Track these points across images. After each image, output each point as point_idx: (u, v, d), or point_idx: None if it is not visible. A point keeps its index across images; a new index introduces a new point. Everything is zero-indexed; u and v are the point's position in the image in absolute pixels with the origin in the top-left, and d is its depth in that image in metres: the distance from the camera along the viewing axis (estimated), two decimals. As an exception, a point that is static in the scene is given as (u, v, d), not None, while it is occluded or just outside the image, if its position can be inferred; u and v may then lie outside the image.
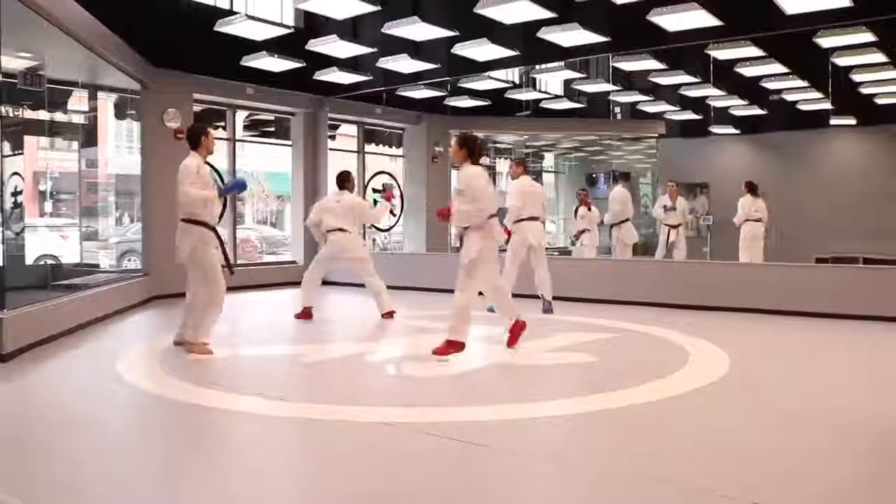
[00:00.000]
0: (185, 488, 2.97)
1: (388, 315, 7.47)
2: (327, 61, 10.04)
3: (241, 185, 6.62)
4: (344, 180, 7.58)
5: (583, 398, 4.32)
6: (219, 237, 5.66)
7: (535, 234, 7.61)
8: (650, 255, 11.51)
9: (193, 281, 5.73)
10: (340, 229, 7.36)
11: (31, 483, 2.98)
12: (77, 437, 3.67)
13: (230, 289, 7.42)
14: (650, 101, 13.63)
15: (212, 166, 10.79)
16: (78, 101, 8.30)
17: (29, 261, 7.46)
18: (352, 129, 13.03)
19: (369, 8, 7.87)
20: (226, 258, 5.73)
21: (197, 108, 10.33)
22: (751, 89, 11.92)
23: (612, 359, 5.45)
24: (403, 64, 9.94)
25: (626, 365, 5.24)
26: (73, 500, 2.85)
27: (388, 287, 7.68)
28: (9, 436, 3.73)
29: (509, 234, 7.36)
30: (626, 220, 10.09)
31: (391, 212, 13.10)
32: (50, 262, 8.27)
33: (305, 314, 7.46)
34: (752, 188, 9.70)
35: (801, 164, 12.59)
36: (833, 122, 12.10)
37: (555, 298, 7.89)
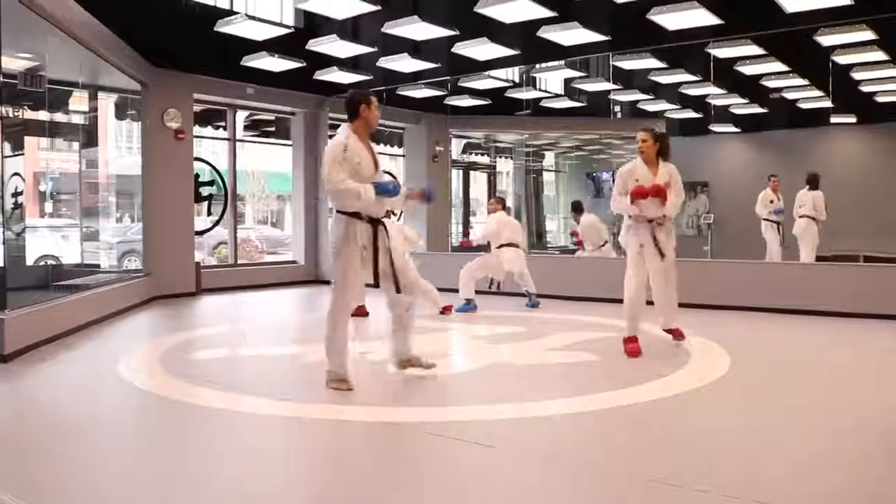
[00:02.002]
0: (185, 488, 2.97)
1: (361, 311, 7.52)
2: (327, 61, 10.03)
3: (394, 191, 4.59)
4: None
5: (583, 397, 4.31)
6: (375, 235, 4.41)
7: (511, 261, 8.08)
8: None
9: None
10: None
11: (32, 484, 2.98)
12: (77, 438, 3.67)
13: (229, 288, 7.46)
14: (650, 99, 13.61)
15: (211, 165, 10.89)
16: (78, 101, 8.30)
17: (29, 261, 7.47)
18: (352, 129, 13.00)
19: (369, 7, 7.86)
20: (374, 265, 4.41)
21: (197, 107, 10.34)
22: (751, 88, 11.90)
23: (613, 358, 5.44)
24: (403, 63, 9.93)
25: (626, 364, 5.24)
26: (74, 500, 2.85)
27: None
28: (9, 436, 3.73)
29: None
30: (605, 243, 9.82)
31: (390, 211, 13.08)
32: (50, 262, 8.28)
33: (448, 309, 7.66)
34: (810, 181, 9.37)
35: (801, 163, 12.53)
36: (833, 120, 12.08)
37: (555, 298, 7.90)
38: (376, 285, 4.51)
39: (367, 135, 4.55)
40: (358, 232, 4.33)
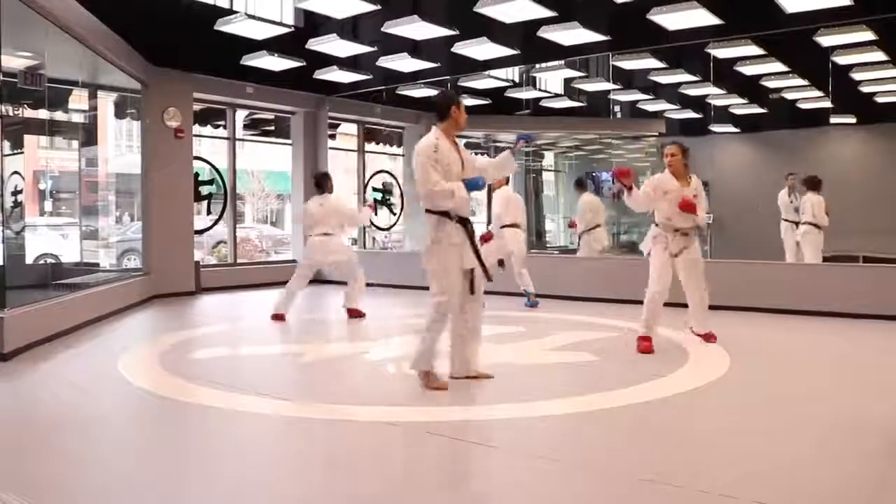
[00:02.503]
0: (185, 487, 2.97)
1: (355, 314, 7.49)
2: (327, 60, 10.03)
3: (483, 184, 4.60)
4: (325, 181, 7.54)
5: (582, 397, 4.32)
6: (469, 232, 4.46)
7: (514, 241, 8.04)
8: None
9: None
10: (324, 233, 7.38)
11: (32, 482, 2.98)
12: (77, 437, 3.67)
13: (229, 288, 7.46)
14: (650, 99, 13.63)
15: (211, 164, 10.88)
16: (78, 100, 8.30)
17: (29, 260, 7.47)
18: (352, 128, 13.03)
19: (369, 7, 7.86)
20: (480, 262, 4.48)
21: (197, 106, 10.34)
22: (751, 88, 11.92)
23: (612, 358, 5.45)
24: (403, 63, 9.94)
25: (626, 364, 5.24)
26: (74, 499, 2.85)
27: (389, 285, 7.68)
28: (9, 435, 3.73)
29: (490, 238, 7.67)
30: (598, 226, 9.83)
31: (391, 210, 13.11)
32: (50, 261, 8.28)
33: (280, 318, 7.38)
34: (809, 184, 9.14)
35: (801, 163, 12.55)
36: (833, 120, 12.09)
37: (555, 298, 7.90)
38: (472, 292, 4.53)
39: (454, 135, 4.62)
40: (450, 231, 4.38)
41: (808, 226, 9.03)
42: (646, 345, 5.57)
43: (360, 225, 11.85)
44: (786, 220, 9.59)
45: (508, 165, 4.76)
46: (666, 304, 5.64)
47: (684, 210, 5.52)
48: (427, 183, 4.30)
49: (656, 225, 5.71)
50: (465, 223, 4.43)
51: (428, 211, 4.42)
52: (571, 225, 10.39)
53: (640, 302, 5.67)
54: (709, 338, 5.90)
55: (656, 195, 5.59)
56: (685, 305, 5.89)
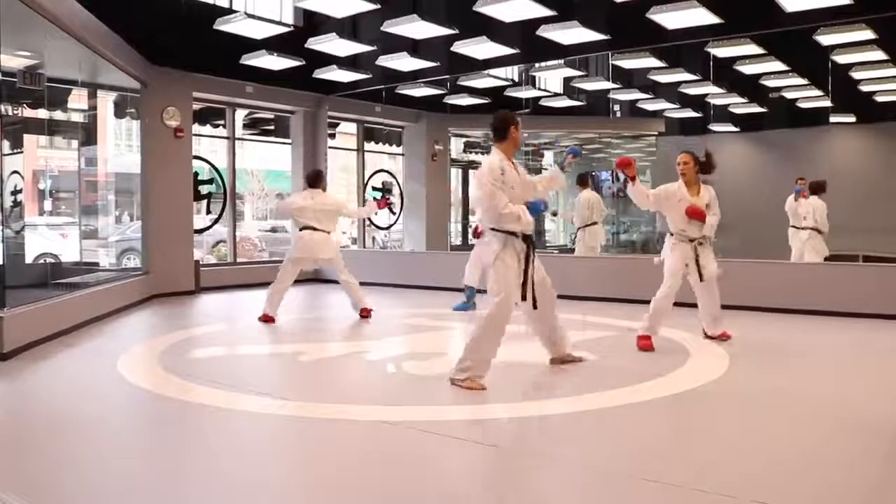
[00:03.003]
0: (184, 487, 2.98)
1: (366, 313, 7.42)
2: (327, 59, 10.03)
3: (545, 208, 5.12)
4: (318, 179, 7.41)
5: (582, 397, 4.32)
6: (529, 247, 4.61)
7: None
8: (651, 252, 11.44)
9: None
10: (314, 228, 7.25)
11: (31, 482, 2.98)
12: (77, 436, 3.67)
13: (228, 287, 7.46)
14: (650, 98, 13.63)
15: (211, 164, 10.88)
16: (77, 99, 8.30)
17: (29, 259, 7.47)
18: (351, 128, 13.02)
19: (369, 6, 7.86)
20: (524, 281, 4.57)
21: (196, 106, 10.34)
22: (750, 87, 11.92)
23: (612, 357, 5.45)
24: (403, 62, 9.93)
25: (626, 363, 5.24)
26: (74, 498, 2.85)
27: (389, 285, 7.67)
28: (8, 435, 3.73)
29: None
30: (594, 223, 9.85)
31: (390, 209, 13.09)
32: (49, 260, 8.28)
33: (269, 319, 7.22)
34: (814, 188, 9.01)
35: (800, 162, 12.57)
36: (833, 119, 12.09)
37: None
38: (524, 298, 4.60)
39: (513, 154, 4.75)
40: (515, 246, 4.52)
41: (810, 231, 8.95)
42: (645, 343, 5.60)
43: (361, 217, 11.84)
44: (793, 227, 9.32)
45: (558, 181, 5.03)
46: (677, 305, 5.65)
47: (691, 217, 5.56)
48: (496, 207, 4.42)
49: (671, 234, 5.78)
50: (528, 240, 4.57)
51: (493, 229, 4.53)
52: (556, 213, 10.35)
53: (640, 301, 5.68)
54: (723, 336, 5.96)
55: (661, 199, 5.65)
56: (688, 305, 5.89)
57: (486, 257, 4.61)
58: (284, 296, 7.38)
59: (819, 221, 8.94)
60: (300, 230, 7.34)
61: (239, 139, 11.49)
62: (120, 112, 9.82)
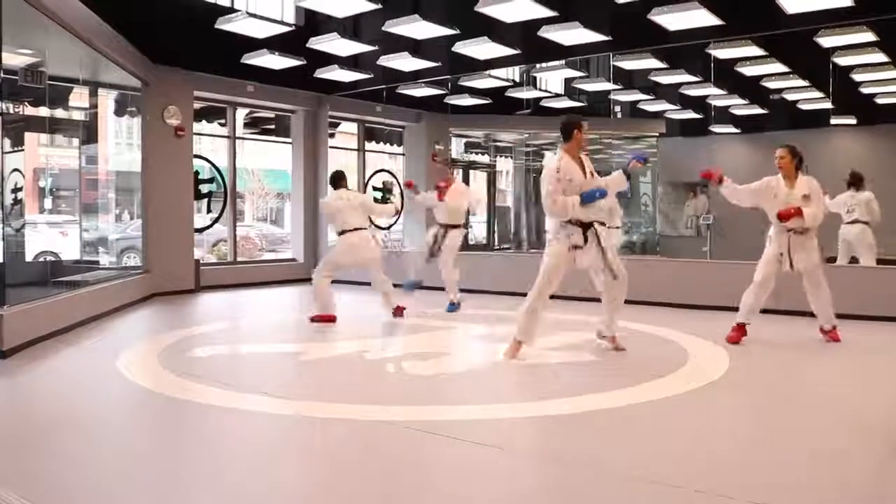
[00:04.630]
0: (184, 486, 2.98)
1: (399, 311, 7.41)
2: (328, 59, 10.03)
3: (602, 195, 5.27)
4: (339, 179, 7.36)
5: (582, 397, 4.32)
6: (586, 235, 5.18)
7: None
8: (649, 253, 11.47)
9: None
10: (356, 228, 7.16)
11: (31, 480, 2.98)
12: (77, 434, 3.67)
13: (229, 286, 7.46)
14: (651, 99, 13.63)
15: (211, 163, 10.88)
16: (78, 97, 8.30)
17: (29, 257, 7.46)
18: (352, 127, 13.03)
19: (370, 6, 7.86)
20: (605, 260, 5.21)
21: (197, 104, 10.35)
22: (751, 88, 11.92)
23: (612, 358, 5.45)
24: (404, 62, 9.93)
25: (626, 364, 5.24)
26: (74, 497, 2.85)
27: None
28: (8, 433, 3.73)
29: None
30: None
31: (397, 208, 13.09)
32: (49, 258, 8.27)
33: (328, 318, 7.18)
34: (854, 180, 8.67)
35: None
36: (833, 121, 12.09)
37: (554, 297, 7.88)
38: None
39: (578, 153, 5.33)
40: (570, 233, 5.17)
41: (863, 225, 8.63)
42: (734, 335, 5.87)
43: (387, 218, 11.86)
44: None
45: (622, 183, 5.48)
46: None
47: (783, 219, 5.71)
48: (549, 197, 5.12)
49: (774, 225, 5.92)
50: (585, 226, 5.16)
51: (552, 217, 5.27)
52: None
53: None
54: (832, 336, 5.98)
55: (759, 194, 5.85)
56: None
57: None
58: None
59: (872, 212, 8.53)
60: (340, 233, 7.22)
61: (239, 138, 11.50)
62: (121, 110, 9.82)
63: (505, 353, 5.32)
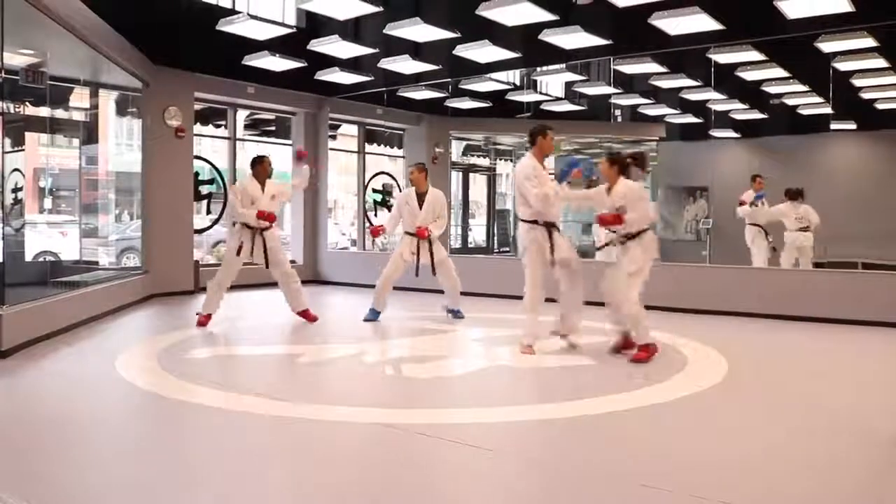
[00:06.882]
0: (183, 487, 2.97)
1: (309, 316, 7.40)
2: (329, 61, 10.05)
3: (574, 164, 5.76)
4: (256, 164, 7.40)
5: (579, 402, 4.32)
6: (550, 236, 5.61)
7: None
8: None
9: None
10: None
11: (30, 481, 2.98)
12: (76, 435, 3.67)
13: (228, 287, 7.46)
14: (651, 104, 13.63)
15: (211, 164, 10.88)
16: (79, 98, 8.31)
17: (28, 257, 7.47)
18: (352, 130, 13.03)
19: (371, 9, 7.87)
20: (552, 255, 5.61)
21: (198, 106, 10.35)
22: (752, 93, 11.92)
23: (610, 362, 5.45)
24: (404, 65, 9.95)
25: (624, 368, 5.24)
26: (72, 498, 2.85)
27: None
28: (7, 433, 3.73)
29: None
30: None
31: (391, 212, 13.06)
32: (49, 258, 8.28)
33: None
34: (792, 194, 9.26)
35: (801, 169, 12.57)
36: (833, 126, 12.08)
37: (552, 301, 7.88)
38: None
39: (543, 159, 5.71)
40: (537, 234, 5.58)
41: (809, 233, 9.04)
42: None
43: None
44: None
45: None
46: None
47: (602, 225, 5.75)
48: (540, 192, 5.40)
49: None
50: (549, 227, 5.56)
51: (521, 220, 5.65)
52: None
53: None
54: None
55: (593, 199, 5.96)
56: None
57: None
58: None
59: (813, 221, 9.09)
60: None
61: (240, 140, 11.50)
62: (121, 111, 9.83)
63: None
